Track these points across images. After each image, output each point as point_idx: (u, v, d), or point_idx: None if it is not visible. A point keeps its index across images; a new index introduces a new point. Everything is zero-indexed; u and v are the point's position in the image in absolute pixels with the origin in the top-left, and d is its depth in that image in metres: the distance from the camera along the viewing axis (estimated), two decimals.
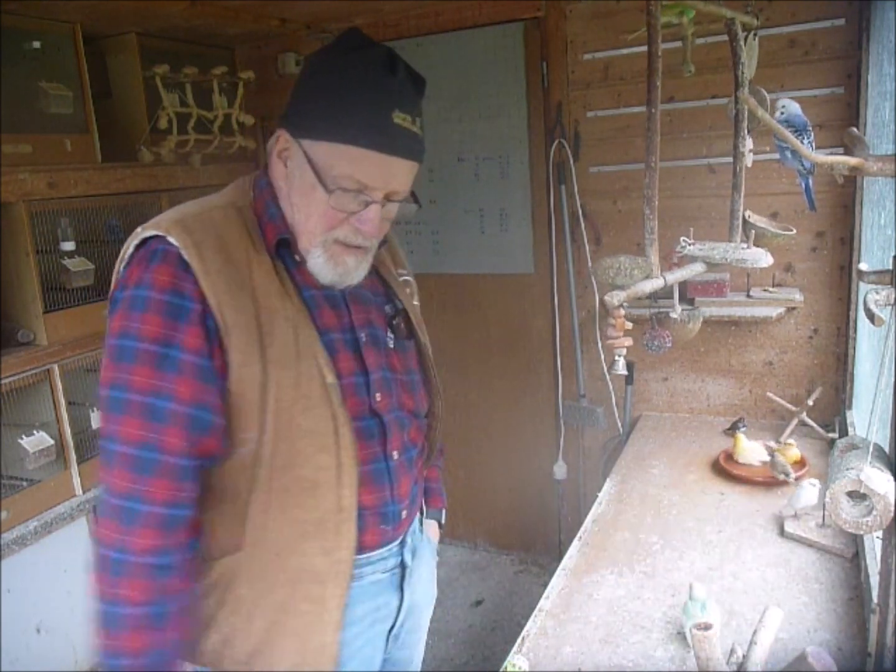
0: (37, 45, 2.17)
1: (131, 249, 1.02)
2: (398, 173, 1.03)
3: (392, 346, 1.18)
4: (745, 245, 1.48)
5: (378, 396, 1.12)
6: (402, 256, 1.33)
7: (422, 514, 1.34)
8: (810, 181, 1.53)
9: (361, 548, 1.10)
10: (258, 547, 1.04)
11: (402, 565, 1.20)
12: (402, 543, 1.19)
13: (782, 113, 1.49)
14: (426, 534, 1.34)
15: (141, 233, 1.00)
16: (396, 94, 1.00)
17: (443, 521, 1.41)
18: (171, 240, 0.98)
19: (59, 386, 2.12)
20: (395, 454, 1.14)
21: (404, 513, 1.17)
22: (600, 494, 1.99)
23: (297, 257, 1.08)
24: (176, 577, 0.97)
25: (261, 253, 1.05)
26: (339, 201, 1.01)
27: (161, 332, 0.94)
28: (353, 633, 1.13)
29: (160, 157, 2.49)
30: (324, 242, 1.04)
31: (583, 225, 2.64)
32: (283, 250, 1.07)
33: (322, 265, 1.05)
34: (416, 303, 1.31)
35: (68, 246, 2.19)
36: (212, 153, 2.68)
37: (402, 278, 1.28)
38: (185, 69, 2.51)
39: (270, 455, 1.01)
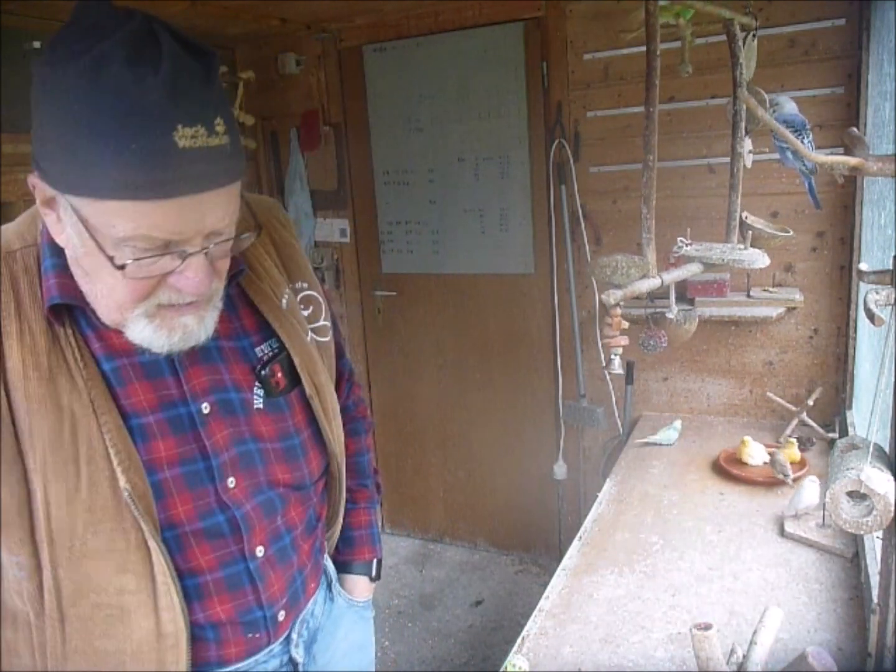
0: (37, 45, 2.17)
1: None
2: (210, 209, 0.75)
3: (262, 406, 0.94)
4: (742, 246, 1.49)
5: (231, 482, 0.90)
6: (302, 266, 1.05)
7: (354, 570, 1.19)
8: (813, 181, 1.53)
9: (223, 662, 0.94)
10: None
11: (292, 662, 1.04)
12: (288, 640, 1.02)
13: (774, 110, 1.49)
14: (346, 598, 1.17)
15: None
16: (168, 102, 0.69)
17: (374, 574, 1.21)
18: None
19: None
20: (261, 550, 0.93)
21: (282, 614, 0.98)
22: (600, 494, 1.99)
23: (95, 320, 0.82)
24: None
25: (29, 316, 0.80)
26: (143, 271, 0.75)
27: None
28: None
29: None
30: (146, 312, 0.79)
31: (583, 225, 2.64)
32: (77, 309, 0.82)
33: (151, 336, 0.80)
34: (323, 322, 1.05)
35: None
36: None
37: (302, 293, 1.03)
38: None
39: (53, 582, 0.82)
